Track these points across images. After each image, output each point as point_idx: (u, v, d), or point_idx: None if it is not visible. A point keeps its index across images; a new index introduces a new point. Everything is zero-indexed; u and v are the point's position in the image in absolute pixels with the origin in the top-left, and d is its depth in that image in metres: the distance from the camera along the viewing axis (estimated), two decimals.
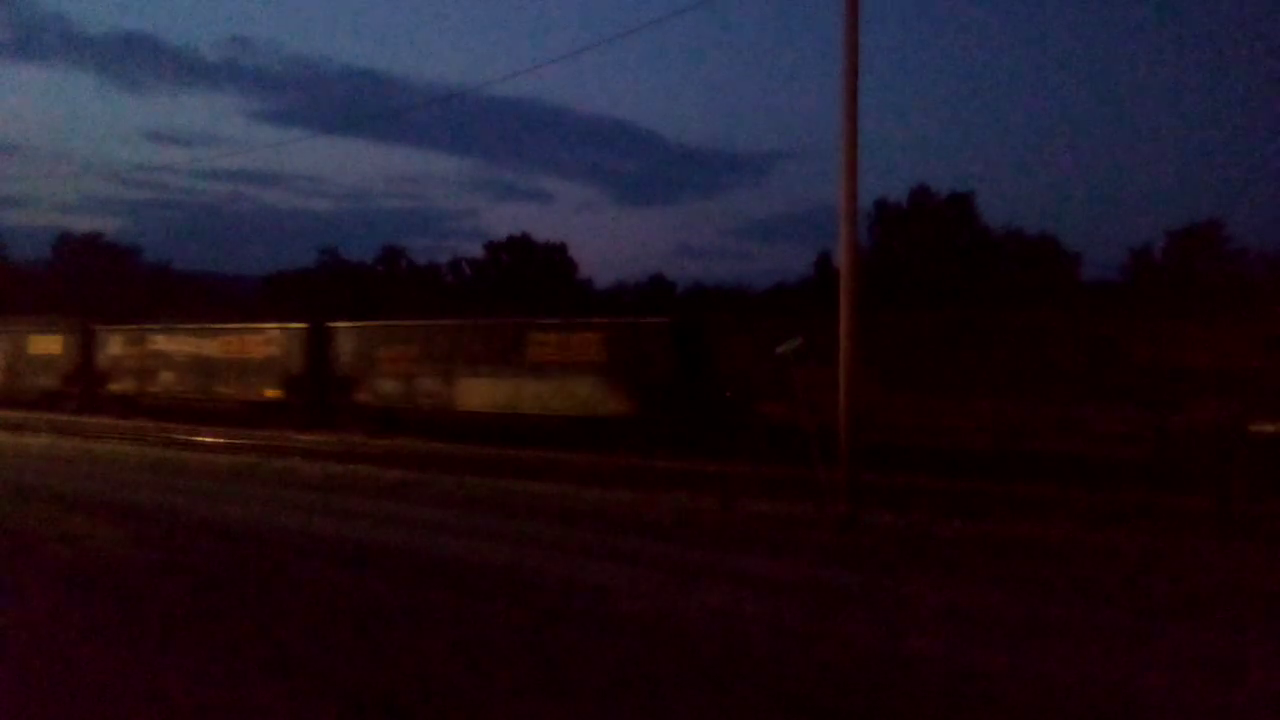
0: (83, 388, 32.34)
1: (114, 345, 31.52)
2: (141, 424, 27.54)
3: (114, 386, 31.47)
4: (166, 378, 29.82)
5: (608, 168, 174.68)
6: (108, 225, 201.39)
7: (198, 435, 23.69)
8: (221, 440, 22.61)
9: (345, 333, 25.80)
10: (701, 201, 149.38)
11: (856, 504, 11.41)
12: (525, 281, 67.07)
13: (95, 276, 59.32)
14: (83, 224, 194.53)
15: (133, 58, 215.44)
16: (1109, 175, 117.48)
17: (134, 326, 31.35)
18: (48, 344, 33.41)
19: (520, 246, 73.17)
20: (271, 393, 26.96)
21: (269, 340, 27.19)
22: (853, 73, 11.52)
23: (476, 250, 76.19)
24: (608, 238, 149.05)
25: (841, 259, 11.82)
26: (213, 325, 29.21)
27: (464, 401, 23.15)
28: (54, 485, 14.60)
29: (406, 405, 24.22)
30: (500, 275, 70.69)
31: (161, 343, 30.05)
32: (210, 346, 28.66)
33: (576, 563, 9.04)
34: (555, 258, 73.60)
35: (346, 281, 66.39)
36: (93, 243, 63.52)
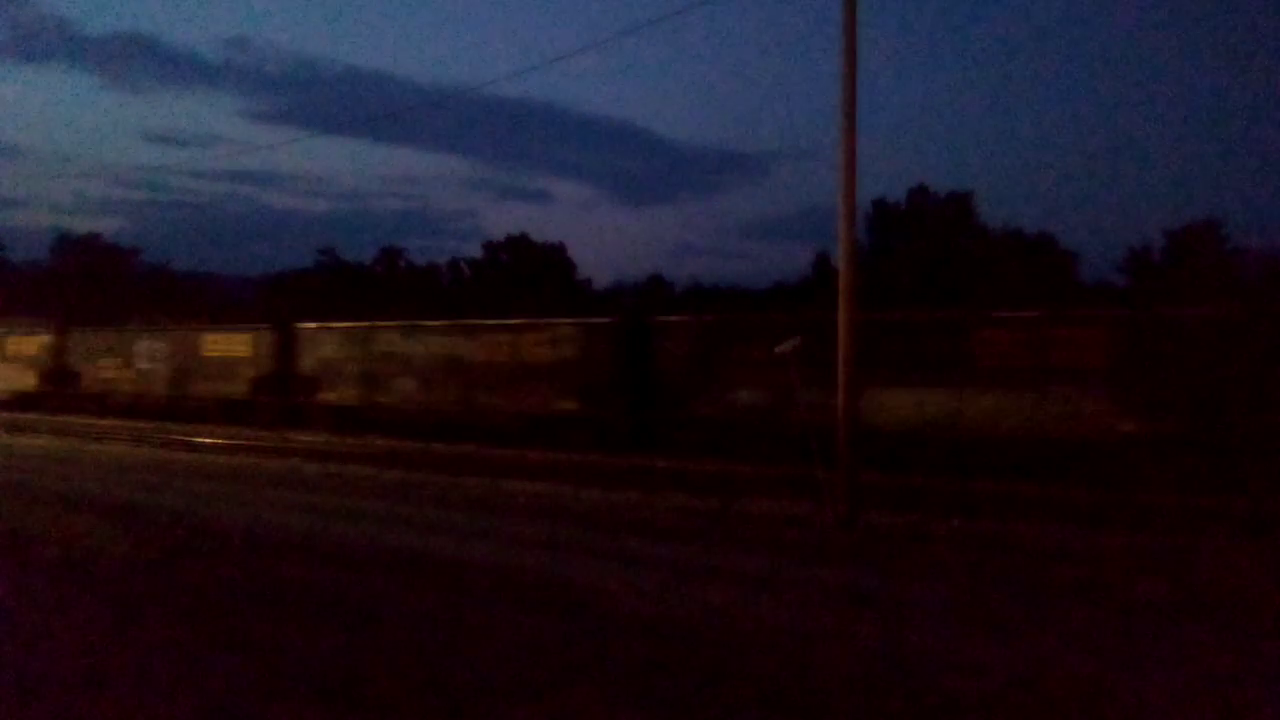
0: (280, 397, 27.66)
1: (327, 346, 26.81)
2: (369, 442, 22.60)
3: (327, 395, 26.67)
4: (405, 386, 25.09)
5: (606, 167, 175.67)
6: (106, 226, 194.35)
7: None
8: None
9: (676, 330, 21.27)
10: (700, 201, 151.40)
11: (856, 504, 11.38)
12: (524, 282, 67.06)
13: (94, 277, 56.72)
14: (81, 225, 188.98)
15: (131, 59, 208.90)
16: (1107, 175, 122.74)
17: (357, 324, 26.88)
18: (232, 344, 28.86)
19: (519, 247, 73.17)
20: (564, 404, 22.46)
21: (559, 340, 22.55)
22: (851, 72, 11.57)
23: (475, 250, 75.68)
24: (606, 237, 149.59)
25: (840, 259, 11.82)
26: (473, 322, 24.80)
27: (874, 416, 17.86)
28: (57, 486, 14.28)
29: (774, 419, 19.24)
30: (499, 275, 70.48)
31: (398, 343, 25.37)
32: (470, 347, 23.93)
33: (577, 562, 9.05)
34: (554, 258, 73.77)
35: (345, 282, 65.24)
36: (91, 243, 60.68)
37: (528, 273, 69.41)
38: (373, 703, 5.18)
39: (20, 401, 34.16)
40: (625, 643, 6.33)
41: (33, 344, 34.48)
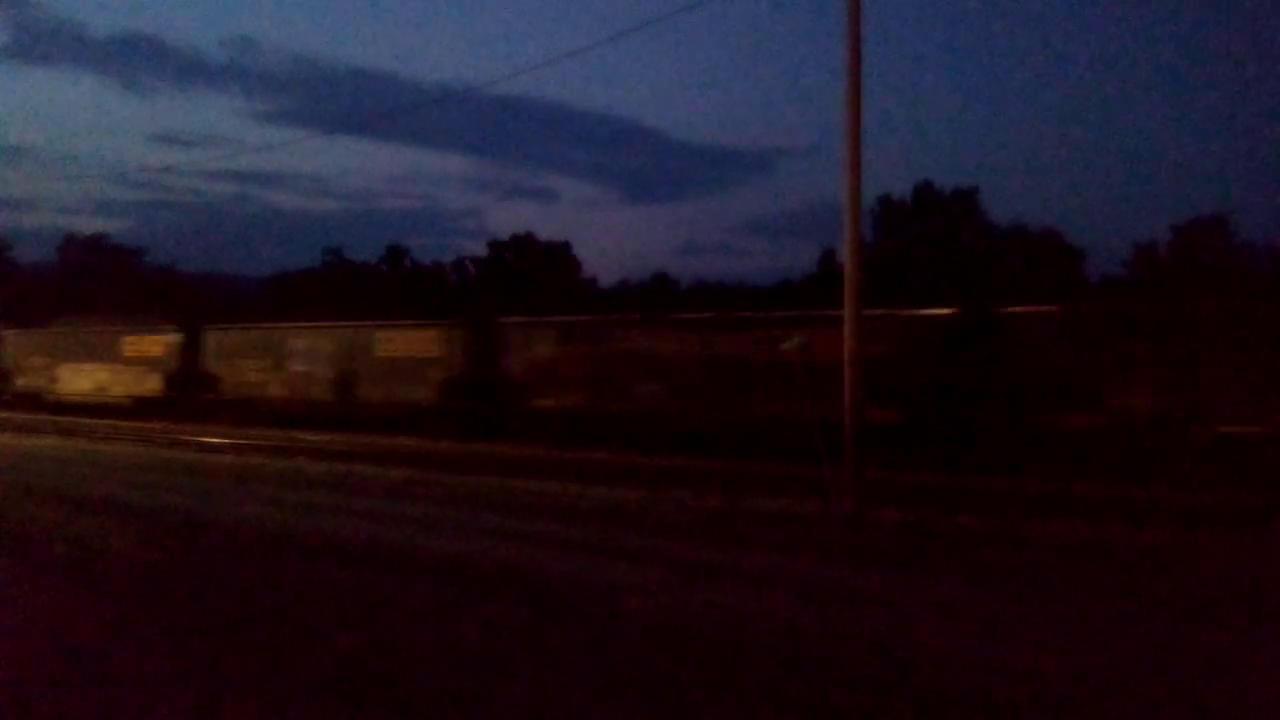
0: (480, 403, 24.70)
1: (541, 344, 23.80)
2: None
3: (542, 401, 23.69)
4: (648, 391, 21.96)
5: (611, 165, 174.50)
6: (112, 226, 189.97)
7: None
8: None
9: (1040, 322, 17.87)
10: (705, 199, 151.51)
11: (862, 501, 11.32)
12: (529, 280, 66.21)
13: (100, 277, 53.28)
14: (88, 225, 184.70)
15: (137, 59, 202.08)
16: (1113, 170, 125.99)
17: (582, 318, 24.06)
18: (413, 342, 25.89)
19: (524, 245, 72.19)
20: (874, 412, 16.29)
21: (870, 335, 16.23)
22: (856, 69, 11.52)
23: (480, 249, 74.09)
24: (611, 235, 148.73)
25: (846, 256, 11.75)
26: (744, 315, 21.33)
27: None
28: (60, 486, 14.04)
29: (1177, 434, 16.03)
30: (504, 274, 69.32)
31: (638, 339, 22.30)
32: (739, 345, 20.61)
33: (581, 560, 8.99)
34: (559, 256, 73.02)
35: (352, 281, 63.08)
36: (98, 244, 56.86)
37: (533, 271, 68.47)
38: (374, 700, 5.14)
39: (143, 408, 31.08)
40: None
41: (157, 344, 31.34)
